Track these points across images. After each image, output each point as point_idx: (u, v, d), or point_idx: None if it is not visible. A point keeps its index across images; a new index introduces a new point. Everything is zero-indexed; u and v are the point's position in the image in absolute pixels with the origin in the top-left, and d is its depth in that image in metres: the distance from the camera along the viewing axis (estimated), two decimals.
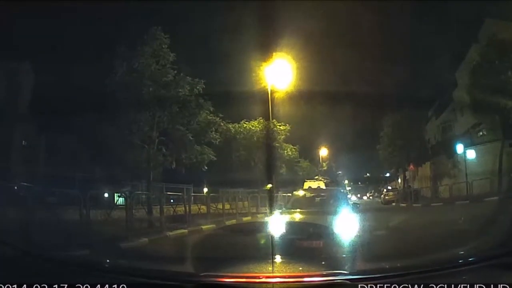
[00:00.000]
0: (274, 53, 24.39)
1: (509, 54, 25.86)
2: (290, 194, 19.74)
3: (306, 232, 9.80)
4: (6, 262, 5.60)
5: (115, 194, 19.55)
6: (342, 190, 15.97)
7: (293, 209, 12.32)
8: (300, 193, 14.77)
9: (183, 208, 19.02)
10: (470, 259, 4.81)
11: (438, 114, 43.62)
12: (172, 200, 21.73)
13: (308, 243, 9.31)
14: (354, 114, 38.05)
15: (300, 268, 6.14)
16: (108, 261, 6.43)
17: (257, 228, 14.10)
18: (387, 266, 5.14)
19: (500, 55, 26.27)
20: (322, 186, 33.95)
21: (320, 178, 39.49)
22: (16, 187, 16.81)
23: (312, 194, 14.38)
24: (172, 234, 14.93)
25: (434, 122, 45.20)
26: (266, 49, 23.99)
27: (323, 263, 6.84)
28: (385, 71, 32.87)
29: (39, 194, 15.16)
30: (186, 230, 15.96)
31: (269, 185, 26.13)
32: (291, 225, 10.70)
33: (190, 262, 6.15)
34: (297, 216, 11.68)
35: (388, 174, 60.52)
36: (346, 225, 10.49)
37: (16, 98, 22.33)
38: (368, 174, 68.50)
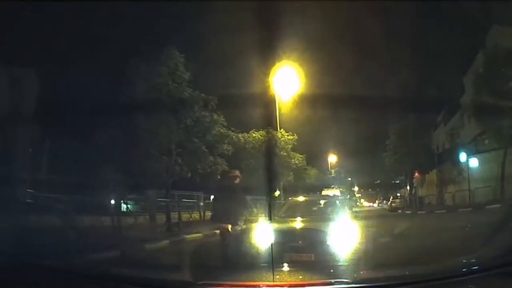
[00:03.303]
0: (281, 63, 25.75)
1: None
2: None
3: (296, 244, 9.57)
4: (3, 271, 5.57)
5: (128, 201, 21.72)
6: (340, 197, 15.81)
7: (287, 217, 11.96)
8: (299, 199, 14.27)
9: (198, 214, 21.31)
10: (474, 268, 4.73)
11: (447, 120, 43.76)
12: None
13: (298, 256, 9.06)
14: (363, 121, 38.42)
15: (301, 277, 6.18)
16: (105, 269, 6.53)
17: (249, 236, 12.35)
18: (390, 275, 5.13)
19: (505, 62, 26.52)
20: (338, 193, 35.15)
21: (336, 187, 41.61)
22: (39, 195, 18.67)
23: (308, 201, 13.95)
24: (189, 237, 16.99)
25: (443, 128, 45.37)
26: (273, 60, 24.87)
27: (325, 271, 6.91)
28: (393, 77, 33.31)
29: (67, 202, 17.14)
30: (201, 234, 17.60)
31: (277, 192, 27.81)
32: (281, 235, 10.00)
33: (190, 269, 6.01)
34: (288, 225, 11.10)
35: (398, 181, 61.23)
36: (343, 235, 10.08)
37: (34, 107, 22.25)
38: (378, 181, 67.86)
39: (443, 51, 33.35)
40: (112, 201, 17.86)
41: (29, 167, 19.88)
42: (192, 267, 6.39)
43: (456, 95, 34.50)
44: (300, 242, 9.63)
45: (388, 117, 41.16)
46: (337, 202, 13.57)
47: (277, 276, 5.57)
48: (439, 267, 5.48)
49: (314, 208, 12.82)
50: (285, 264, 7.25)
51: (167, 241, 15.31)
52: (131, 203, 20.24)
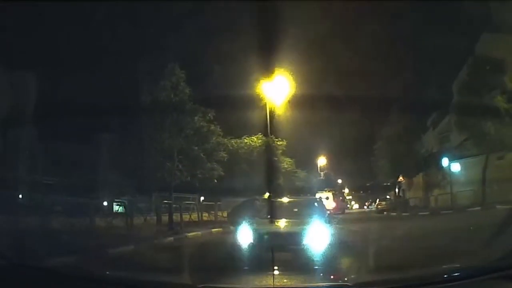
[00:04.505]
0: (271, 72, 27.61)
1: (497, 72, 28.41)
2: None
3: (276, 243, 10.38)
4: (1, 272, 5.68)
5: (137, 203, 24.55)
6: (318, 200, 16.92)
7: (268, 216, 13.27)
8: (283, 200, 15.19)
9: (196, 214, 24.40)
10: (474, 271, 4.77)
11: (436, 124, 45.80)
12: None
13: (278, 254, 9.52)
14: (353, 124, 41.25)
15: (300, 281, 6.39)
16: (103, 271, 6.50)
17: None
18: (390, 278, 5.16)
19: (489, 72, 28.63)
20: (331, 196, 39.27)
21: (329, 190, 44.70)
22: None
23: (290, 203, 14.78)
24: (190, 235, 19.75)
25: (432, 132, 47.60)
26: (264, 68, 27.10)
27: (326, 274, 7.35)
28: (382, 82, 36.13)
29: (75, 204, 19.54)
30: (200, 233, 20.69)
31: (267, 194, 30.49)
32: (262, 235, 11.30)
33: (190, 272, 6.06)
34: (270, 226, 12.24)
35: (388, 184, 62.42)
36: (319, 236, 10.96)
37: (38, 110, 23.04)
38: (369, 184, 67.62)
39: (435, 55, 34.87)
40: (124, 203, 20.69)
41: (44, 171, 22.20)
42: (192, 269, 6.53)
43: (445, 100, 34.87)
44: (278, 241, 10.65)
45: (377, 120, 43.56)
46: (316, 204, 14.80)
47: (277, 280, 5.70)
48: (439, 270, 5.55)
49: (295, 210, 13.87)
50: (285, 268, 7.61)
51: (171, 238, 18.13)
52: (140, 204, 23.03)
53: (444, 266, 5.99)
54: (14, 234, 12.74)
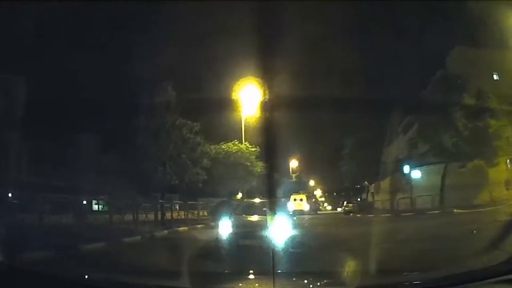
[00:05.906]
0: (247, 81, 31.89)
1: (459, 88, 31.37)
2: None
3: (249, 233, 13.35)
4: None
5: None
6: (283, 200, 21.81)
7: (242, 214, 17.00)
8: (255, 201, 19.56)
9: (183, 213, 30.16)
10: (477, 275, 4.87)
11: (406, 130, 48.24)
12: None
13: (250, 241, 12.11)
14: (325, 129, 46.26)
15: (293, 282, 6.73)
16: (99, 275, 6.52)
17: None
18: (391, 281, 5.56)
19: (452, 87, 31.50)
20: (304, 198, 43.57)
21: (303, 192, 49.33)
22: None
23: (259, 203, 18.42)
24: (179, 229, 24.95)
25: (402, 138, 49.85)
26: (240, 78, 31.48)
27: (326, 278, 7.06)
28: (354, 87, 37.10)
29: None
30: (187, 227, 25.84)
31: (239, 195, 35.52)
32: (238, 227, 14.55)
33: (187, 274, 6.22)
34: (244, 220, 15.88)
35: (359, 186, 63.93)
36: (282, 227, 13.78)
37: (33, 116, 23.58)
38: (342, 186, 70.73)
39: (409, 61, 35.62)
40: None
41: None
42: (189, 265, 7.14)
43: (415, 107, 36.99)
44: (250, 232, 13.62)
45: (349, 125, 46.61)
46: (281, 204, 19.11)
47: (277, 283, 5.83)
48: (435, 274, 5.65)
49: (264, 208, 16.77)
50: (285, 271, 8.25)
51: (166, 232, 23.28)
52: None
53: (442, 269, 6.11)
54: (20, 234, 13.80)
